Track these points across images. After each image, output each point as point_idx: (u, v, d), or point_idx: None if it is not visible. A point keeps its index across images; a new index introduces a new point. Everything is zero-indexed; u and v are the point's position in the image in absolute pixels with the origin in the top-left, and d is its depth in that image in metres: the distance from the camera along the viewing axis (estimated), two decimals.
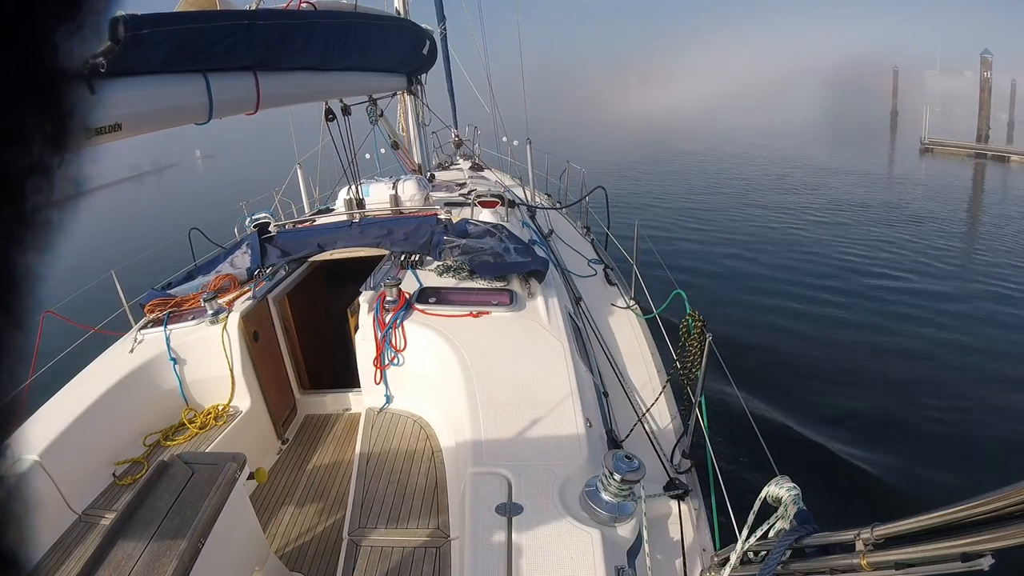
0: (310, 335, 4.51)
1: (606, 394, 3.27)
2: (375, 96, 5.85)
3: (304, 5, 3.64)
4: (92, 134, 1.75)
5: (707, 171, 24.43)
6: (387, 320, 3.33)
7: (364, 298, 3.50)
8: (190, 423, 3.45)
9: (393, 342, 3.31)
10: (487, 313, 3.37)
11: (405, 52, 5.37)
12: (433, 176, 8.18)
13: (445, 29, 10.03)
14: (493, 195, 5.44)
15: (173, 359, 3.53)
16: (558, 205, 7.67)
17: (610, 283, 5.05)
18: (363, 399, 3.44)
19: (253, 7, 3.13)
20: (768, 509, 1.70)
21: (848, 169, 23.16)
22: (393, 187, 5.66)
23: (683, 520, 2.44)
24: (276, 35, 2.85)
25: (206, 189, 36.29)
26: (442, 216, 4.68)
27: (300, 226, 5.16)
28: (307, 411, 4.31)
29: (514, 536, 1.95)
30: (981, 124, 27.56)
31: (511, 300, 3.49)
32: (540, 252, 4.29)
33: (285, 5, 3.53)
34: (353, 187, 5.32)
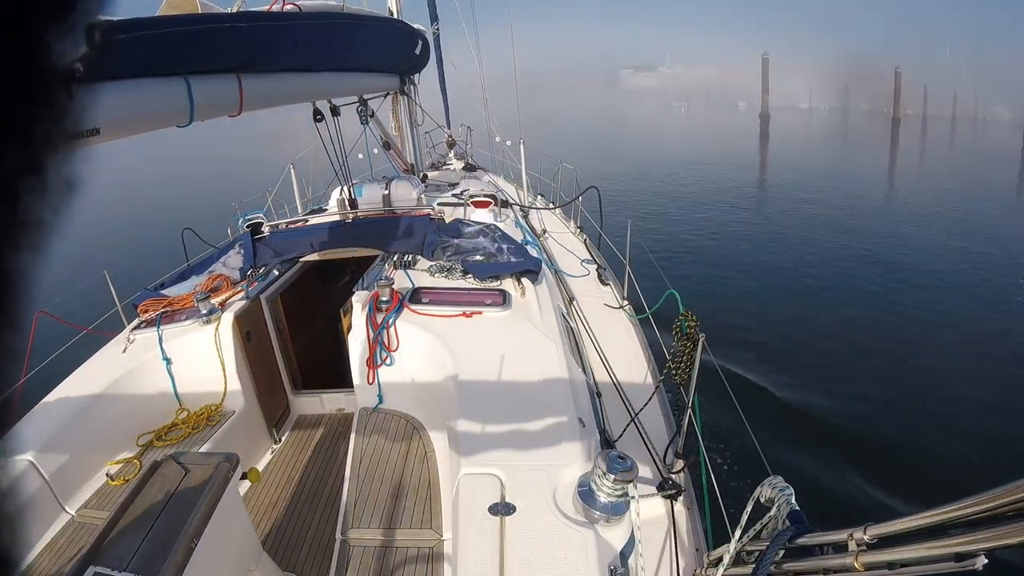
0: (303, 335, 4.51)
1: (599, 394, 3.27)
2: (366, 96, 5.84)
3: (288, 7, 3.61)
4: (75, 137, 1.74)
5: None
6: (380, 320, 3.33)
7: (357, 298, 3.49)
8: (183, 423, 3.45)
9: (386, 342, 3.31)
10: (480, 313, 3.37)
11: (396, 52, 5.35)
12: (426, 176, 8.17)
13: (438, 29, 10.02)
14: (486, 195, 5.45)
15: (166, 359, 3.53)
16: (551, 205, 7.68)
17: (603, 283, 5.06)
18: (356, 399, 3.43)
19: (235, 10, 3.09)
20: (761, 509, 1.69)
21: None
22: (386, 187, 5.66)
23: (676, 520, 2.44)
24: (259, 37, 2.80)
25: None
26: (435, 216, 4.69)
27: (293, 226, 5.15)
28: (300, 411, 4.31)
29: (507, 536, 1.95)
30: None
31: (504, 300, 3.50)
32: (533, 252, 4.30)
33: (268, 7, 3.49)
34: (345, 187, 5.32)
